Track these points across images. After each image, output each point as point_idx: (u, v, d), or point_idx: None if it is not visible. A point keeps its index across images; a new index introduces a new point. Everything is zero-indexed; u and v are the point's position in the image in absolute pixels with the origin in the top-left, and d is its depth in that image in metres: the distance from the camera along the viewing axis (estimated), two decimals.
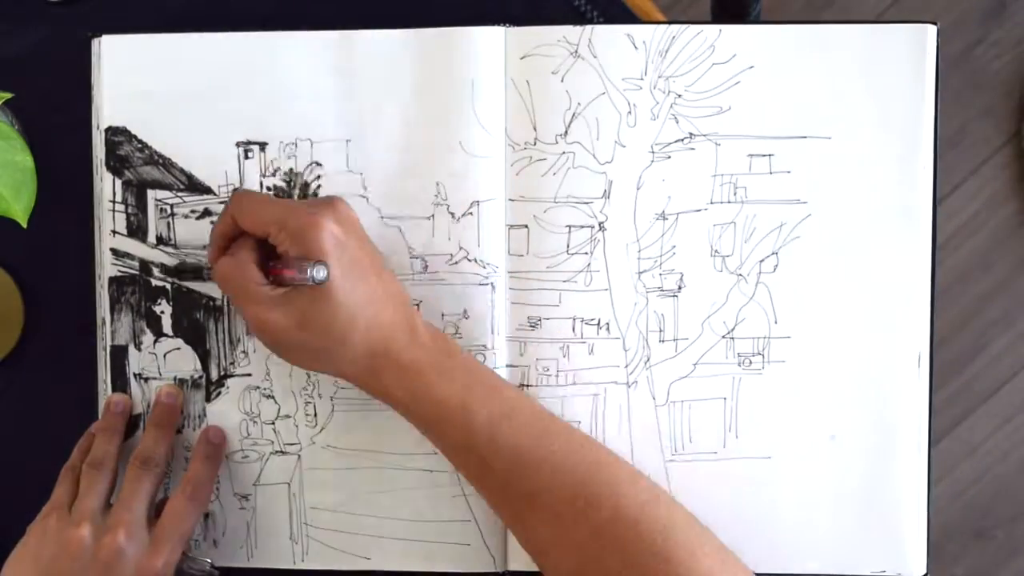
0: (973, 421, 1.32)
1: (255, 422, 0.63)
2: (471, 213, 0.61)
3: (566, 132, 0.61)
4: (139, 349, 0.63)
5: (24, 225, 0.58)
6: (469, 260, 0.62)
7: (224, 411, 0.63)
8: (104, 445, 0.60)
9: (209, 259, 0.60)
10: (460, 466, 0.58)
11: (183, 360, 0.63)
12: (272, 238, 0.55)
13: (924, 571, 0.62)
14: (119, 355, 0.63)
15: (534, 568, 0.62)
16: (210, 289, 0.63)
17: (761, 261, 0.62)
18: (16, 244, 0.65)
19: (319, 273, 0.53)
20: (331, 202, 0.56)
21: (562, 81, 0.61)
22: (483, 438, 0.55)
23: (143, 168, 0.62)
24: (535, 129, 0.62)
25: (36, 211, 0.58)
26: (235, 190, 0.60)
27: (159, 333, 0.63)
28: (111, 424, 0.62)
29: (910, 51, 0.61)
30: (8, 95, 0.58)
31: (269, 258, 0.57)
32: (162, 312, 0.63)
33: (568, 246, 0.62)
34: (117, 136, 0.62)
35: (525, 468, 0.55)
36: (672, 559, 0.53)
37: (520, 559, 0.62)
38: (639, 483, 0.56)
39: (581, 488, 0.55)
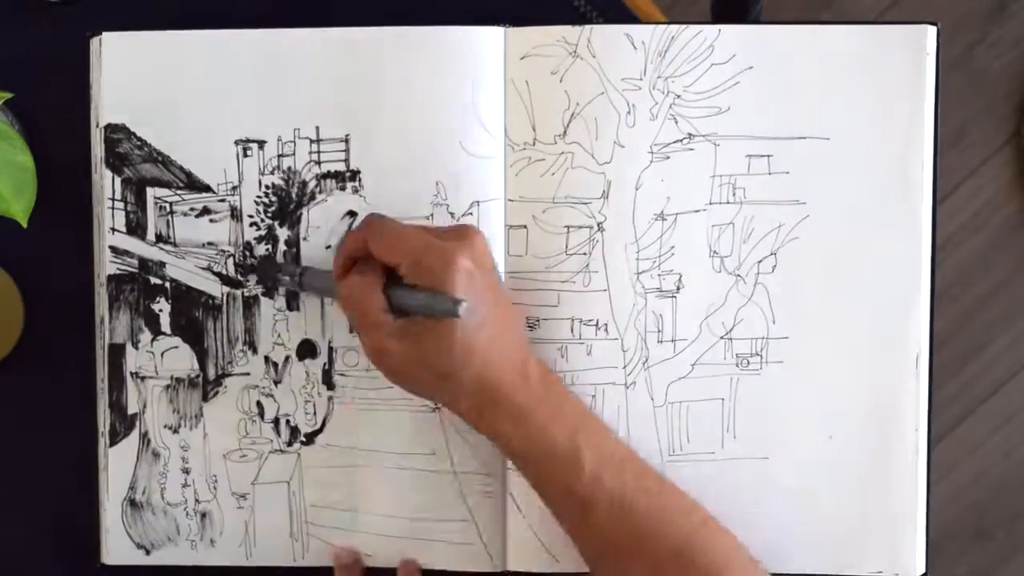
0: (973, 421, 1.32)
1: (254, 421, 0.63)
2: (471, 213, 0.61)
3: (565, 132, 0.61)
4: (136, 347, 0.63)
5: (24, 225, 0.58)
6: None
7: (222, 410, 0.63)
8: None
9: (335, 276, 0.58)
10: (561, 511, 0.57)
11: (180, 359, 0.63)
12: (403, 270, 0.54)
13: (923, 571, 0.62)
14: (116, 354, 0.63)
15: (531, 568, 0.62)
16: (208, 287, 0.63)
17: (759, 262, 0.62)
18: (16, 244, 0.65)
19: (443, 306, 0.52)
20: (467, 235, 0.55)
21: (561, 81, 0.61)
22: (588, 480, 0.55)
23: (142, 166, 0.63)
24: (534, 129, 0.62)
25: (36, 211, 0.58)
26: (370, 215, 0.59)
27: (157, 331, 0.63)
28: None
29: (910, 51, 0.61)
30: (8, 95, 0.58)
31: (392, 280, 0.56)
32: (160, 310, 0.63)
33: (567, 246, 0.62)
34: (116, 133, 0.62)
35: (631, 512, 0.55)
36: None
37: (518, 559, 0.62)
38: (742, 553, 0.56)
39: (686, 542, 0.55)
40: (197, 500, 0.63)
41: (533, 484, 0.58)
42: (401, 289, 0.55)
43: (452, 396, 0.56)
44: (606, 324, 0.62)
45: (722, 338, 0.62)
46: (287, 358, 0.63)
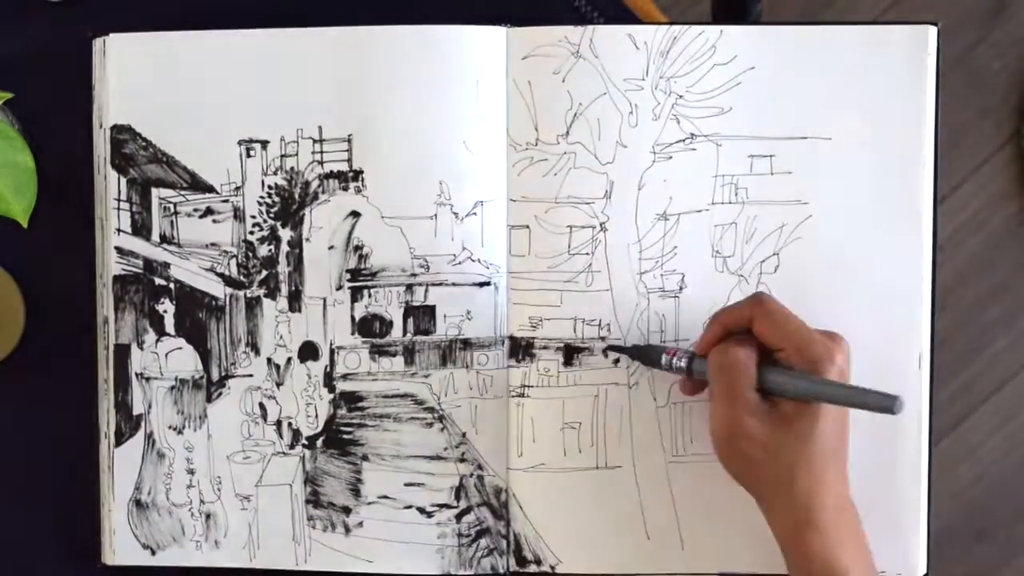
0: (973, 421, 1.32)
1: (256, 423, 0.63)
2: (475, 213, 0.61)
3: (567, 132, 0.62)
4: (141, 348, 0.63)
5: (25, 225, 0.58)
6: (472, 260, 0.62)
7: (225, 412, 0.63)
8: None
9: (704, 341, 0.58)
10: None
11: (184, 360, 0.63)
12: (783, 353, 0.55)
13: (924, 571, 0.62)
14: (122, 354, 0.63)
15: (536, 569, 0.62)
16: (212, 288, 0.63)
17: (762, 262, 0.62)
18: (16, 244, 0.65)
19: (870, 399, 0.53)
20: (839, 340, 0.56)
21: (563, 81, 0.61)
22: None
23: (147, 166, 0.62)
24: (536, 129, 0.62)
25: (36, 211, 0.58)
26: (759, 293, 0.58)
27: (161, 332, 0.63)
28: None
29: (911, 52, 0.61)
30: (8, 95, 0.58)
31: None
32: (165, 311, 0.63)
33: (569, 246, 0.62)
34: (122, 134, 0.62)
35: None
36: None
37: (522, 560, 0.62)
38: None
39: None
40: (202, 501, 0.63)
41: None
42: (776, 370, 0.55)
43: (779, 495, 0.55)
44: (609, 324, 0.62)
45: None
46: (289, 360, 0.63)
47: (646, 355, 0.61)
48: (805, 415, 0.54)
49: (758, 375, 0.55)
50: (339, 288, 0.62)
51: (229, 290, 0.63)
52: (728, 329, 0.57)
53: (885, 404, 0.52)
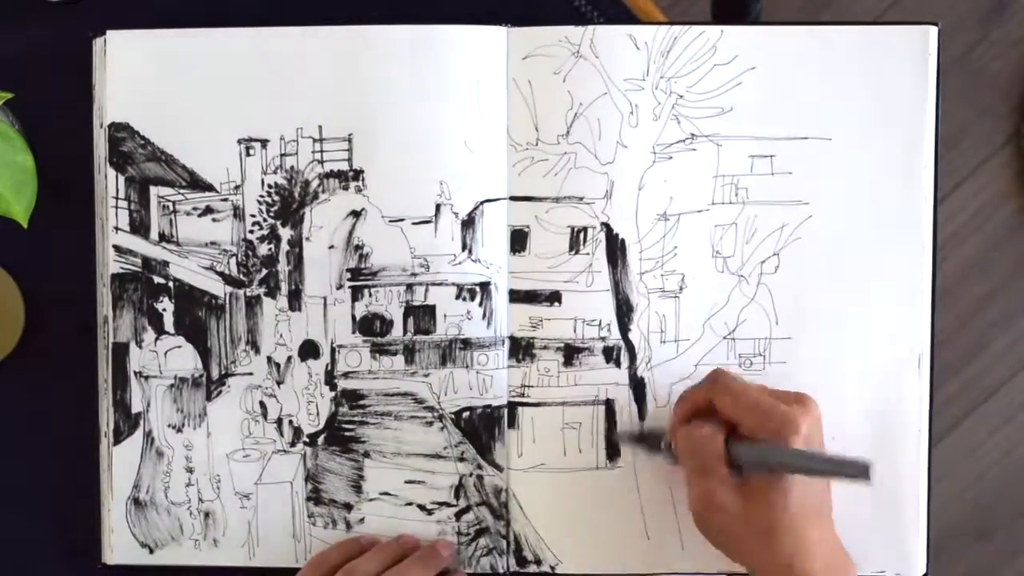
0: (973, 421, 1.32)
1: (256, 421, 0.63)
2: (475, 213, 0.61)
3: (568, 132, 0.62)
4: (140, 347, 0.63)
5: (25, 225, 0.57)
6: (472, 260, 0.62)
7: (225, 410, 0.63)
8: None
9: (673, 422, 0.59)
10: None
11: (184, 358, 0.63)
12: (744, 426, 0.55)
13: (924, 571, 0.62)
14: (120, 352, 0.63)
15: (536, 569, 0.62)
16: (211, 287, 0.63)
17: (762, 262, 0.62)
18: (16, 244, 0.65)
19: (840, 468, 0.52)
20: (806, 403, 0.56)
21: (564, 81, 0.61)
22: None
23: (145, 165, 0.62)
24: (537, 129, 0.62)
25: (36, 211, 0.58)
26: (715, 370, 0.58)
27: (160, 331, 0.63)
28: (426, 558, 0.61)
29: (911, 52, 0.61)
30: (8, 95, 0.58)
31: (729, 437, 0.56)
32: (164, 309, 0.63)
33: (569, 246, 0.62)
34: (120, 132, 0.62)
35: None
36: None
37: (522, 559, 0.62)
38: None
39: None
40: (201, 499, 0.63)
41: None
42: (742, 443, 0.55)
43: (762, 566, 0.55)
44: (609, 324, 0.62)
45: (725, 338, 0.62)
46: (289, 358, 0.63)
47: (651, 440, 0.61)
48: (775, 483, 0.54)
49: (726, 450, 0.55)
50: (339, 287, 0.62)
51: (229, 289, 0.63)
52: (696, 408, 0.57)
53: (854, 473, 0.51)
